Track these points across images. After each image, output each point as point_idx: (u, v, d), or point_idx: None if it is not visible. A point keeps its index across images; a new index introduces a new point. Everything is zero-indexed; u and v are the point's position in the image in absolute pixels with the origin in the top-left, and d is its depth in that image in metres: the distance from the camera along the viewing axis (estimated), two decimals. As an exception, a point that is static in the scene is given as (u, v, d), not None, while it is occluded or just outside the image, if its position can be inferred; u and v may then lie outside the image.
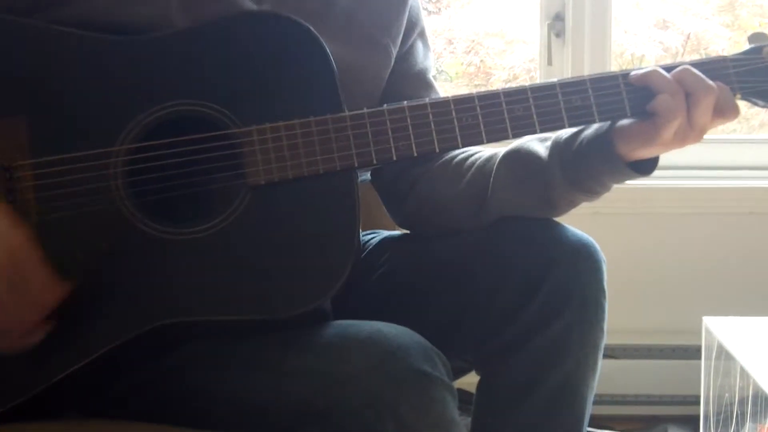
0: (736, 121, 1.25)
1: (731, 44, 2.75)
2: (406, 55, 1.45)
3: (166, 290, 1.14)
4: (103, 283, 1.14)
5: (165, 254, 1.15)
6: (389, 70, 1.41)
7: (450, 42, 2.88)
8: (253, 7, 1.27)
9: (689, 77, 1.19)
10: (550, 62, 2.52)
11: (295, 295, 1.15)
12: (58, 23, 1.18)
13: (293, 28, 1.20)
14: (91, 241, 1.13)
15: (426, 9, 1.36)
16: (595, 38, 2.50)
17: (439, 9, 2.89)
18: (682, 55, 2.77)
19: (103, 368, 1.14)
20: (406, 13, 1.43)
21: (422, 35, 1.48)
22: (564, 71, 2.50)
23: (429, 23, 1.50)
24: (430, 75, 1.49)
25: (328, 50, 1.19)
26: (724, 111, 1.21)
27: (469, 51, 2.87)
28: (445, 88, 1.46)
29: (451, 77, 2.90)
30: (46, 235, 1.12)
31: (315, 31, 1.19)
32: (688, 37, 2.79)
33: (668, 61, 1.25)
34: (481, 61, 2.87)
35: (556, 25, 2.52)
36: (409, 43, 1.45)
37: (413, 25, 1.45)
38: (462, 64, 2.89)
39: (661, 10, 2.78)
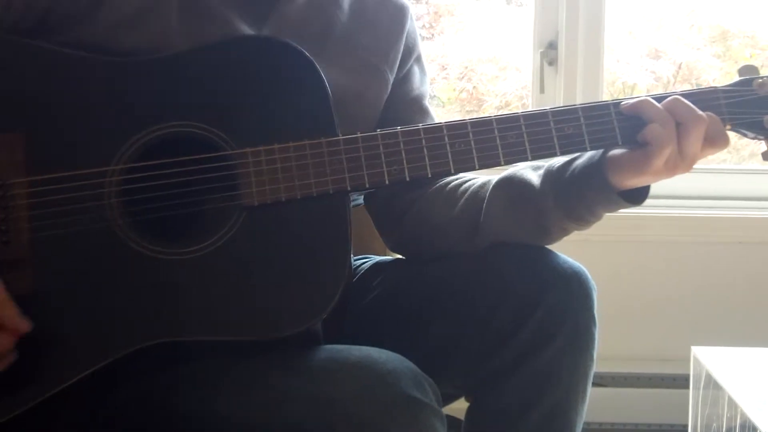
0: (726, 151, 1.26)
1: (722, 75, 2.77)
2: (403, 80, 1.46)
3: (157, 310, 1.14)
4: (95, 301, 1.14)
5: (157, 274, 1.15)
6: (386, 96, 1.42)
7: (443, 68, 2.89)
8: (252, 32, 1.28)
9: (680, 107, 1.20)
10: (542, 90, 2.53)
11: (286, 317, 1.15)
12: (61, 47, 1.19)
13: (288, 52, 1.21)
14: (83, 259, 1.13)
15: (420, 35, 1.37)
16: (588, 67, 2.51)
17: (433, 35, 2.91)
18: (674, 84, 2.78)
19: (93, 386, 1.14)
20: (404, 39, 1.44)
21: (419, 60, 1.49)
22: (556, 99, 2.51)
23: (422, 49, 1.51)
24: (426, 101, 1.50)
25: (322, 74, 1.20)
26: (714, 141, 1.22)
27: (462, 77, 2.88)
28: (437, 114, 1.46)
29: (443, 102, 2.91)
30: (38, 253, 1.13)
31: (309, 56, 1.20)
32: (680, 67, 2.81)
33: (659, 91, 1.26)
34: (474, 87, 2.88)
35: (549, 53, 2.53)
36: (407, 68, 1.46)
37: (410, 50, 1.46)
38: (455, 89, 2.90)
39: (654, 40, 2.80)
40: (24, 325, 1.09)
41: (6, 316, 1.08)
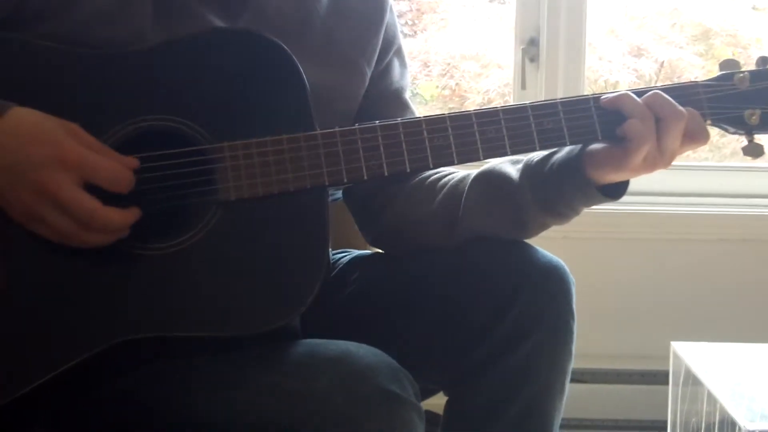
0: (707, 149, 1.26)
1: (704, 73, 2.77)
2: (383, 73, 1.45)
3: (132, 305, 1.13)
4: (69, 296, 1.13)
5: (133, 269, 1.14)
6: (364, 90, 1.41)
7: (425, 65, 2.88)
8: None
9: (660, 102, 1.20)
10: (524, 86, 2.53)
11: (264, 312, 1.15)
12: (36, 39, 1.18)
13: (266, 45, 1.20)
14: (59, 253, 1.12)
15: (402, 32, 1.36)
16: (570, 64, 2.51)
17: (415, 32, 2.90)
18: (656, 82, 2.79)
19: (67, 384, 1.13)
20: (383, 32, 1.43)
21: (399, 53, 1.48)
22: (538, 96, 2.51)
23: (405, 46, 1.50)
24: (407, 94, 1.49)
25: (300, 68, 1.19)
26: (694, 137, 1.22)
27: (445, 74, 2.88)
28: (419, 111, 1.46)
29: (426, 100, 2.91)
30: (11, 246, 1.12)
31: (287, 49, 1.19)
32: (662, 65, 2.82)
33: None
34: (457, 84, 2.88)
35: (531, 49, 2.53)
36: (386, 61, 1.45)
37: (390, 43, 1.45)
38: (437, 87, 2.90)
39: (636, 38, 2.80)
40: (126, 215, 1.10)
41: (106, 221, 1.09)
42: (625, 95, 1.21)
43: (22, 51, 1.18)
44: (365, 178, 1.19)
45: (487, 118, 1.21)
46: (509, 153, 1.22)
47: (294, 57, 1.19)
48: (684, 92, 1.23)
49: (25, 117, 1.10)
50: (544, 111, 1.22)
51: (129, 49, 1.20)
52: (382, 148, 1.19)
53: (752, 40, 2.80)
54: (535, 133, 1.21)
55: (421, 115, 1.23)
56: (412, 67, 2.82)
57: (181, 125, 1.17)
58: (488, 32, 2.85)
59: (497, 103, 2.80)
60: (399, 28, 1.49)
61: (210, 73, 1.20)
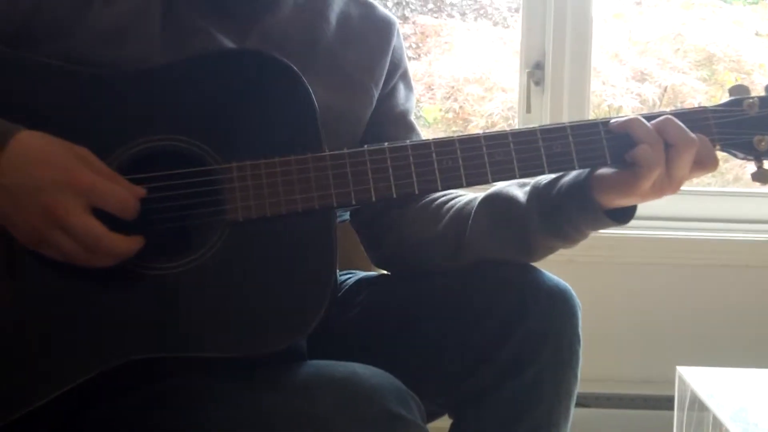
0: (710, 175, 1.25)
1: (707, 98, 2.78)
2: (388, 96, 1.45)
3: (139, 325, 1.13)
4: (74, 315, 1.13)
5: (140, 289, 1.14)
6: (371, 112, 1.42)
7: (429, 88, 2.89)
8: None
9: (671, 128, 1.19)
10: (528, 110, 2.53)
11: (271, 333, 1.14)
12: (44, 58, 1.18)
13: (276, 66, 1.20)
14: (66, 272, 1.12)
15: (406, 55, 1.36)
16: (574, 87, 2.52)
17: (419, 55, 2.91)
18: (659, 107, 2.79)
19: (74, 401, 1.13)
20: (390, 55, 1.44)
21: (404, 77, 1.49)
22: (543, 119, 2.52)
23: (408, 65, 1.51)
24: (411, 116, 1.49)
25: (310, 89, 1.19)
26: (704, 163, 1.21)
27: (448, 97, 2.88)
28: (422, 134, 1.46)
29: (429, 123, 2.92)
30: (17, 265, 1.12)
31: (297, 70, 1.20)
32: (665, 90, 2.82)
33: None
34: (460, 107, 2.88)
35: (536, 73, 2.53)
36: (392, 84, 1.46)
37: (396, 66, 1.46)
38: (441, 110, 2.90)
39: (640, 63, 2.81)
40: (131, 242, 1.11)
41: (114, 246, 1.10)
42: (636, 120, 1.20)
43: (28, 70, 1.18)
44: (374, 199, 1.19)
45: (496, 140, 1.21)
46: (518, 176, 1.21)
47: (303, 77, 1.19)
48: (693, 117, 1.23)
49: (34, 140, 1.10)
50: (554, 134, 1.21)
51: (137, 68, 1.20)
52: (390, 170, 1.19)
53: (755, 65, 2.81)
54: (544, 157, 1.21)
55: (430, 138, 1.23)
56: (416, 89, 2.82)
57: (190, 145, 1.17)
58: (492, 56, 2.86)
59: (501, 126, 2.80)
60: (405, 51, 1.49)
61: (218, 94, 1.20)
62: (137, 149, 1.16)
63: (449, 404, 1.32)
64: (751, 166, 1.27)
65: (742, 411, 1.70)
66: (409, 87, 1.50)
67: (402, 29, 2.77)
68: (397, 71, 1.47)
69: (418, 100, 2.84)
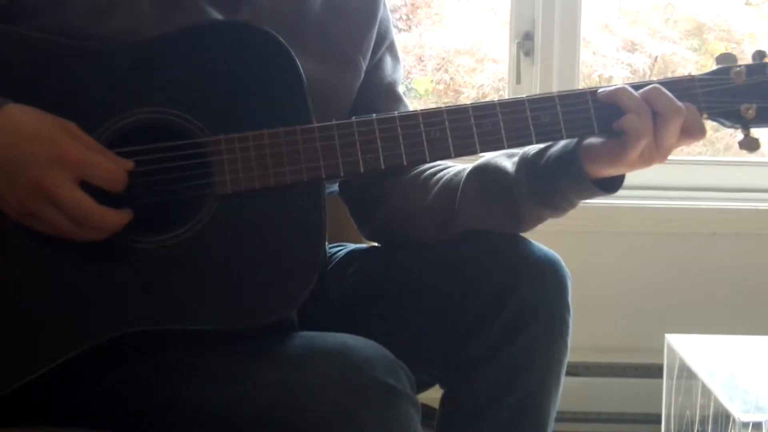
0: (701, 143, 1.26)
1: (698, 68, 2.78)
2: (375, 68, 1.45)
3: (129, 299, 1.13)
4: (67, 289, 1.13)
5: (129, 262, 1.14)
6: (359, 84, 1.42)
7: (420, 59, 2.88)
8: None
9: (658, 97, 1.19)
10: (518, 81, 2.53)
11: (261, 305, 1.14)
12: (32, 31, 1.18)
13: (263, 38, 1.20)
14: (55, 246, 1.12)
15: (396, 26, 1.36)
16: (564, 58, 2.51)
17: (410, 27, 2.90)
18: (650, 77, 2.79)
19: (66, 375, 1.13)
20: (377, 26, 1.43)
21: (391, 48, 1.49)
22: (533, 90, 2.51)
23: (399, 40, 1.50)
24: (399, 88, 1.49)
25: (297, 61, 1.19)
26: (692, 132, 1.21)
27: (439, 69, 2.88)
28: (413, 106, 1.46)
29: (420, 94, 2.91)
30: (6, 240, 1.12)
31: (285, 42, 1.19)
32: (656, 60, 2.82)
33: (635, 83, 1.26)
34: (451, 78, 2.87)
35: (526, 44, 2.53)
36: (378, 56, 1.45)
37: (382, 38, 1.46)
38: (431, 81, 2.90)
39: (630, 33, 2.80)
40: (121, 216, 1.11)
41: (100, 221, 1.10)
42: (623, 89, 1.20)
43: (15, 43, 1.17)
44: (362, 171, 1.19)
45: (484, 111, 1.21)
46: (506, 146, 1.21)
47: (291, 50, 1.19)
48: (680, 86, 1.23)
49: (22, 114, 1.10)
50: (541, 104, 1.21)
51: (124, 41, 1.19)
52: (379, 141, 1.19)
53: (746, 35, 2.81)
54: (532, 127, 1.21)
55: (418, 109, 1.23)
56: (407, 61, 2.81)
57: (177, 118, 1.17)
58: (483, 27, 2.85)
59: (492, 97, 2.80)
60: (392, 23, 1.49)
61: (206, 66, 1.19)
62: (124, 123, 1.16)
63: (440, 375, 1.33)
64: (737, 135, 1.27)
65: (731, 378, 1.72)
66: (396, 58, 1.50)
67: (392, 0, 2.77)
68: (383, 42, 1.46)
69: (408, 72, 2.84)
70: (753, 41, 2.79)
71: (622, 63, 2.77)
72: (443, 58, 2.87)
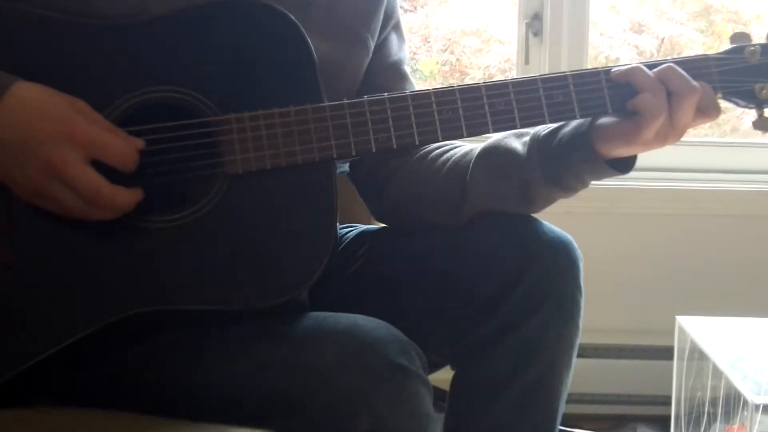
0: (708, 125, 1.25)
1: (705, 49, 2.76)
2: (381, 46, 1.45)
3: (140, 278, 1.13)
4: (73, 269, 1.13)
5: (139, 242, 1.13)
6: (367, 62, 1.41)
7: (426, 40, 2.87)
8: None
9: (673, 76, 1.18)
10: (527, 61, 2.52)
11: (271, 285, 1.14)
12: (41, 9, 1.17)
13: (274, 16, 1.19)
14: (64, 226, 1.11)
15: (402, 7, 1.35)
16: (573, 38, 2.51)
17: (416, 7, 2.89)
18: (656, 58, 2.77)
19: (74, 355, 1.13)
20: (384, 5, 1.43)
21: (397, 27, 1.48)
22: (541, 70, 2.51)
23: (405, 21, 1.50)
24: (405, 66, 1.49)
25: (308, 39, 1.18)
26: (707, 111, 1.20)
27: (445, 49, 2.87)
28: (419, 86, 1.45)
29: (425, 75, 2.90)
30: (16, 220, 1.11)
31: (295, 20, 1.18)
32: (663, 42, 2.81)
33: (642, 64, 1.25)
34: (457, 59, 2.86)
35: (535, 24, 2.52)
36: (384, 34, 1.45)
37: (389, 17, 1.45)
38: (437, 62, 2.89)
39: (637, 14, 2.79)
40: (132, 194, 1.10)
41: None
42: (637, 68, 1.20)
43: (25, 21, 1.16)
44: (374, 150, 1.18)
45: (497, 90, 1.20)
46: (519, 126, 1.20)
47: (302, 27, 1.18)
48: (695, 65, 1.22)
49: (32, 92, 1.09)
50: (554, 83, 1.20)
51: (133, 19, 1.18)
52: (390, 121, 1.18)
53: (753, 16, 2.80)
54: (545, 106, 1.20)
55: (429, 88, 1.22)
56: (412, 42, 2.80)
57: (187, 97, 1.16)
58: (489, 7, 2.83)
59: (498, 78, 2.78)
60: (398, 2, 1.49)
61: (216, 44, 1.18)
62: (135, 101, 1.15)
63: (452, 355, 1.33)
64: (750, 116, 1.27)
65: (741, 359, 1.71)
66: (401, 38, 1.50)
67: (398, -20, 2.76)
68: (390, 21, 1.46)
69: (414, 53, 2.83)
70: (760, 23, 2.77)
71: (629, 44, 2.76)
72: (449, 39, 2.86)
